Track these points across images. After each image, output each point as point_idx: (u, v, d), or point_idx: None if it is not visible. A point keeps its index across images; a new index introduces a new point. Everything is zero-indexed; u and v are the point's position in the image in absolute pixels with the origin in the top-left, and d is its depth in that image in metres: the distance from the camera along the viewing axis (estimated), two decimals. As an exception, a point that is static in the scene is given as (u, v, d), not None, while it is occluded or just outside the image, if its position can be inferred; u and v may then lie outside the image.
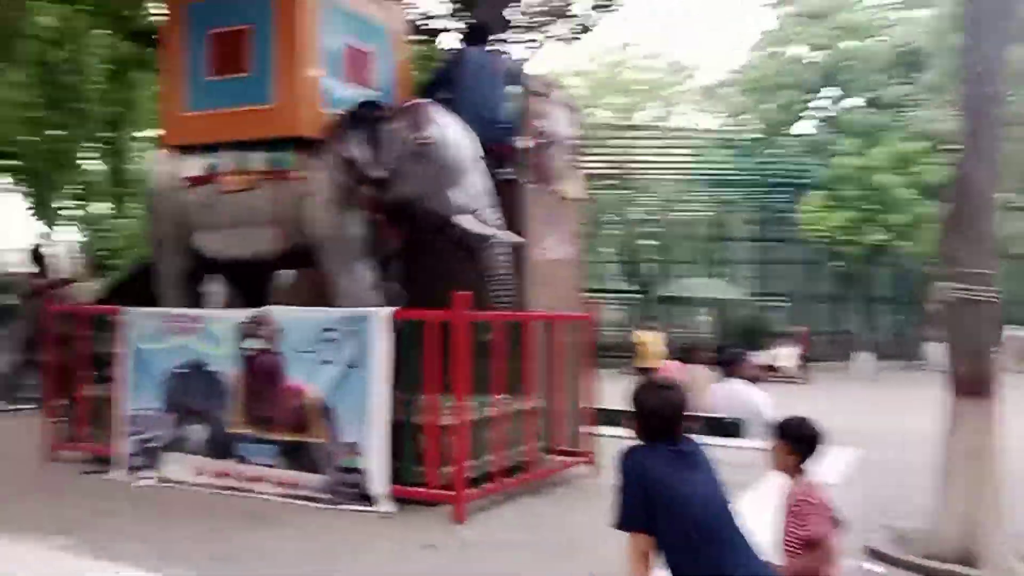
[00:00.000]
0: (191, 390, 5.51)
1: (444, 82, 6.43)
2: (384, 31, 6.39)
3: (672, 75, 28.07)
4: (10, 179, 18.31)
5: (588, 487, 5.68)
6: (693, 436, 3.11)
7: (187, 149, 6.14)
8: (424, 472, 4.86)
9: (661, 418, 3.01)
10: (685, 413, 3.08)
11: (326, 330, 5.04)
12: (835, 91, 26.11)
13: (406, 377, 4.87)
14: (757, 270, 29.68)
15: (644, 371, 16.43)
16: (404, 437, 4.87)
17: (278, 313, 5.31)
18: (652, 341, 15.80)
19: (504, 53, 6.69)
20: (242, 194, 5.81)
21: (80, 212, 21.13)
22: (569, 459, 5.96)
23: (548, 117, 6.46)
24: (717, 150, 27.15)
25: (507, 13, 10.22)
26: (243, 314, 5.42)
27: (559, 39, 12.89)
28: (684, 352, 10.38)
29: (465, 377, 4.72)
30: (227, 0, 6.04)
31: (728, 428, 7.42)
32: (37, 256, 9.53)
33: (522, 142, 6.21)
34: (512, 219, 5.88)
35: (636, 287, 28.53)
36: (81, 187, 19.36)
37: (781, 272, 29.02)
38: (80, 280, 9.41)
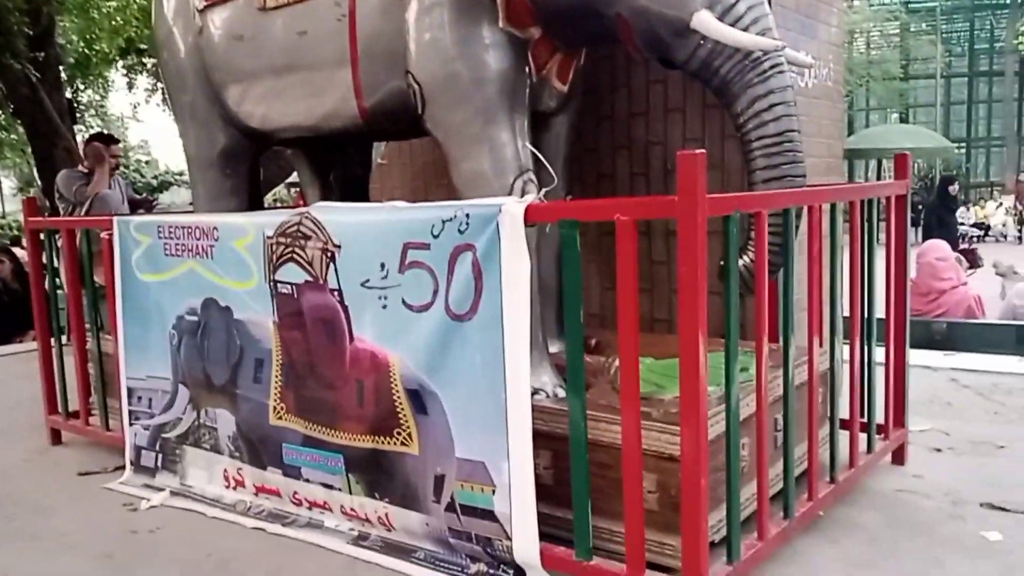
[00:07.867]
0: (208, 349, 3.31)
1: None
2: None
3: None
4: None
5: (911, 504, 3.11)
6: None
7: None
8: (613, 532, 2.48)
9: None
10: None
11: (411, 246, 2.63)
12: None
13: (573, 331, 2.38)
14: (958, 112, 25.18)
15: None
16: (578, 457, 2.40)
17: (329, 216, 2.88)
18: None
19: None
20: (292, 9, 3.33)
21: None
22: (876, 445, 3.25)
23: None
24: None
25: None
26: (274, 219, 3.07)
27: None
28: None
29: (698, 326, 2.11)
30: None
31: None
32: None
33: None
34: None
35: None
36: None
37: (990, 112, 24.58)
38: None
